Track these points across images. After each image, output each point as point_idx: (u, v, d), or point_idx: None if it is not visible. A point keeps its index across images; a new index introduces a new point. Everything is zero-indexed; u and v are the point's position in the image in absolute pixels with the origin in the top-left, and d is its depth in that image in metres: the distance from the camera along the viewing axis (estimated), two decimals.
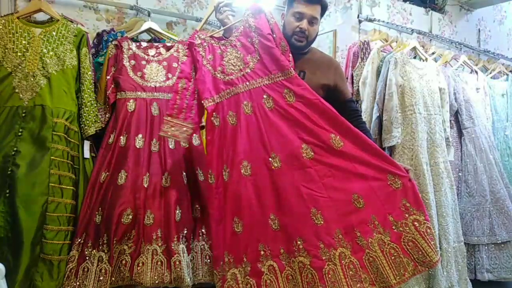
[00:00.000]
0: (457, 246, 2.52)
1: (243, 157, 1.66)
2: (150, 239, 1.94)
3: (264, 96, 1.68)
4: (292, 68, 1.68)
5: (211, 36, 1.85)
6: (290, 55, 1.73)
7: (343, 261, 1.51)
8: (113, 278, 1.86)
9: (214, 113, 1.74)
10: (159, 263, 1.91)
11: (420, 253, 1.49)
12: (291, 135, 1.63)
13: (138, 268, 1.90)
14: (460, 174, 2.86)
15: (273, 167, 1.62)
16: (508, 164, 3.06)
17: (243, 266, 1.59)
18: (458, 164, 2.86)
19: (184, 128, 1.79)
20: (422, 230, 1.51)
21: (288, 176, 1.60)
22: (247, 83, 1.72)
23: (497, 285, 2.80)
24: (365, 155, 1.60)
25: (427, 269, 1.52)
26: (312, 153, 1.61)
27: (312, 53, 1.89)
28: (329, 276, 1.49)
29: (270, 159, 1.63)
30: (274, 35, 1.73)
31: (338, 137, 1.61)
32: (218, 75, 1.77)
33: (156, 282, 1.89)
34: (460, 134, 2.92)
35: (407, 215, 1.54)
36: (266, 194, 1.62)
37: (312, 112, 1.63)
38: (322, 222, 1.54)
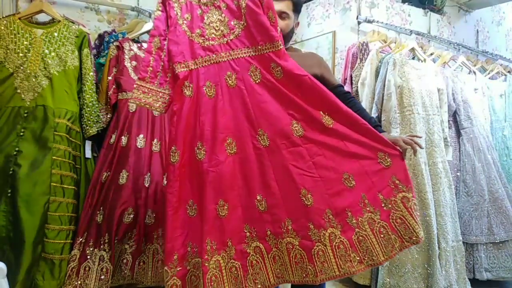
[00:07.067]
0: (456, 245, 2.53)
1: (227, 133, 1.50)
2: (151, 238, 1.97)
3: (251, 68, 1.52)
4: (281, 41, 1.53)
5: None
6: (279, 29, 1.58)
7: (333, 242, 1.45)
8: (114, 277, 1.88)
9: (186, 81, 1.51)
10: (160, 262, 1.93)
11: (408, 229, 1.47)
12: (280, 111, 1.51)
13: (139, 267, 1.93)
14: (458, 174, 2.87)
15: (260, 145, 1.50)
16: (506, 164, 3.07)
17: (227, 251, 1.45)
18: (456, 164, 2.88)
19: (160, 95, 1.55)
20: (410, 207, 1.48)
21: (277, 155, 1.49)
22: (231, 51, 1.54)
23: (495, 284, 2.81)
24: (355, 133, 1.53)
25: (412, 245, 1.49)
26: (302, 131, 1.51)
27: (294, 50, 1.83)
28: (319, 256, 1.45)
29: (257, 136, 1.50)
30: (262, 2, 1.54)
31: (328, 115, 1.52)
32: (196, 39, 1.55)
33: (157, 281, 1.91)
34: (458, 134, 2.94)
35: (396, 193, 1.50)
36: (253, 173, 1.50)
37: (301, 89, 1.52)
38: (312, 203, 1.47)
